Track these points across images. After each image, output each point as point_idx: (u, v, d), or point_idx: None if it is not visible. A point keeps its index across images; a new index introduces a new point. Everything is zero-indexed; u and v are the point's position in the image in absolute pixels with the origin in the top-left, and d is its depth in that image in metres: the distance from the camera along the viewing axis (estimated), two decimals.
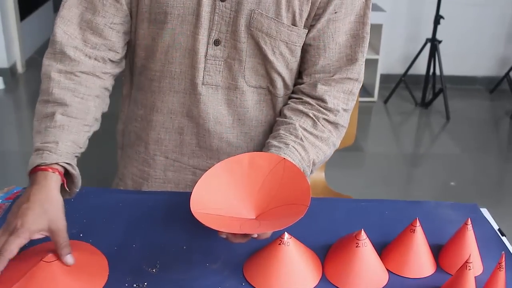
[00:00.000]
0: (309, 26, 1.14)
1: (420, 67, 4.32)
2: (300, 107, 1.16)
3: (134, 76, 1.25)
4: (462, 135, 3.86)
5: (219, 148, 1.22)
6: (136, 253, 0.99)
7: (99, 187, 1.23)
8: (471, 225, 0.99)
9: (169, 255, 0.99)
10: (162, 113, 1.21)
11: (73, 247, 0.92)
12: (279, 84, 1.19)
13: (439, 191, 3.11)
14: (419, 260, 0.98)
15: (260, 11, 1.10)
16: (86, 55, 1.12)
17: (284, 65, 1.17)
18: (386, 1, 4.27)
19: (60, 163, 0.99)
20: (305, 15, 1.13)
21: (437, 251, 1.03)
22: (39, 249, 0.95)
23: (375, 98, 4.32)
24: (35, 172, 0.98)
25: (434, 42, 4.06)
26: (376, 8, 4.14)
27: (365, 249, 0.94)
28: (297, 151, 1.09)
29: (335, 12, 1.12)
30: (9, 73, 4.48)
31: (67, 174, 1.01)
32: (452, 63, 4.47)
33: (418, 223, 0.98)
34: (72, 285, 0.88)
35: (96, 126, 1.13)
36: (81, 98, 1.08)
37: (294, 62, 1.18)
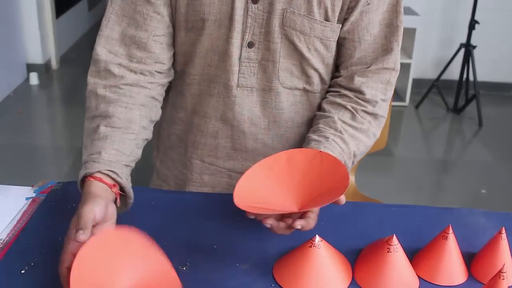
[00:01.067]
0: (343, 20, 1.14)
1: (453, 73, 4.26)
2: (338, 100, 1.16)
3: (174, 80, 1.25)
4: (494, 142, 3.79)
5: (254, 149, 1.23)
6: (166, 251, 0.99)
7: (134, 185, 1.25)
8: (505, 233, 0.98)
9: (199, 254, 1.00)
10: (198, 115, 1.22)
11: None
12: (315, 80, 1.19)
13: (470, 199, 3.07)
14: (451, 267, 0.97)
15: (292, 10, 1.10)
16: (131, 70, 1.12)
17: (320, 61, 1.17)
18: (420, 5, 4.22)
19: (103, 171, 0.98)
20: (337, 9, 1.13)
21: (469, 259, 1.01)
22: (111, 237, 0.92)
23: (407, 102, 4.28)
24: (83, 183, 0.98)
25: (468, 47, 4.00)
26: (409, 12, 4.10)
27: (397, 255, 0.93)
28: (337, 144, 1.09)
29: (368, 4, 1.12)
30: (44, 69, 4.56)
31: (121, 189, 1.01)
32: (486, 69, 4.40)
33: (451, 230, 0.97)
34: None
35: (144, 134, 1.11)
36: (124, 108, 1.08)
37: (330, 57, 1.18)
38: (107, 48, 1.12)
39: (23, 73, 4.46)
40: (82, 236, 0.85)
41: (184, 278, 0.93)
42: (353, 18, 1.13)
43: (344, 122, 1.13)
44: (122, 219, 1.08)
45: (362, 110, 1.15)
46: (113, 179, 0.99)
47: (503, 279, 0.84)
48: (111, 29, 1.12)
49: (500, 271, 0.85)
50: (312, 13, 1.11)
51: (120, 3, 1.12)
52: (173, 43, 1.18)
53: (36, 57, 4.53)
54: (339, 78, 1.19)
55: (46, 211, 1.11)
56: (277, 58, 1.15)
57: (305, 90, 1.20)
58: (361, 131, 1.14)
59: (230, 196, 1.21)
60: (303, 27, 1.12)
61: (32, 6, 4.36)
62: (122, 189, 1.01)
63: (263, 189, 0.97)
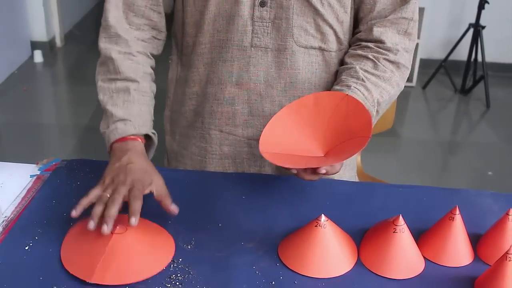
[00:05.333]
0: None
1: (462, 53, 4.22)
2: (359, 51, 1.17)
3: (184, 56, 1.26)
4: (501, 124, 3.77)
5: (272, 113, 1.20)
6: (171, 229, 0.99)
7: None
8: None
9: (204, 233, 0.99)
10: (213, 84, 1.22)
11: (141, 223, 0.93)
12: (331, 37, 1.19)
13: (476, 180, 3.06)
14: (457, 248, 0.96)
15: None
16: (135, 37, 1.19)
17: (334, 17, 1.17)
18: None
19: (143, 134, 1.11)
20: None
21: (475, 240, 1.01)
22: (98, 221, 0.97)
23: (414, 83, 4.25)
24: (125, 140, 1.08)
25: (477, 28, 3.96)
26: None
27: (403, 235, 0.92)
28: (360, 91, 1.10)
29: None
30: (48, 46, 4.55)
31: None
32: (495, 50, 4.36)
33: (457, 211, 0.96)
34: (146, 256, 0.91)
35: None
36: (142, 76, 1.17)
37: (344, 14, 1.18)
38: (113, 13, 1.18)
39: (28, 50, 4.45)
40: (175, 209, 0.99)
41: (189, 256, 0.93)
42: None
43: (366, 71, 1.14)
44: None
45: (384, 59, 1.16)
46: (151, 139, 1.14)
47: (509, 261, 0.84)
48: None
49: (506, 253, 0.85)
50: None
51: None
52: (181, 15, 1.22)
53: (41, 35, 4.52)
54: (359, 33, 1.20)
55: (51, 188, 1.11)
56: (291, 16, 1.14)
57: (321, 49, 1.19)
58: (384, 79, 1.15)
59: (234, 175, 1.21)
60: None
61: None
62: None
63: (289, 134, 1.01)
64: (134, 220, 0.90)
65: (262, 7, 1.14)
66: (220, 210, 1.06)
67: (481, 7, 3.91)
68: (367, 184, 1.31)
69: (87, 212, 0.94)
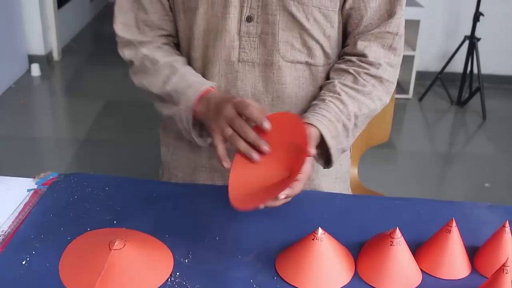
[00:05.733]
0: None
1: (457, 65, 4.24)
2: (342, 65, 1.18)
3: None
4: (498, 135, 3.78)
5: None
6: (168, 243, 0.99)
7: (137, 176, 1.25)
8: (509, 227, 0.97)
9: (201, 246, 0.99)
10: None
11: (138, 237, 0.93)
12: (318, 52, 1.19)
13: (473, 192, 3.06)
14: (454, 261, 0.96)
15: None
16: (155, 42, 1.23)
17: (321, 32, 1.17)
18: None
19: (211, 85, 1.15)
20: None
21: (472, 253, 1.01)
22: (95, 237, 0.98)
23: (410, 95, 4.27)
24: (199, 101, 1.11)
25: (472, 40, 3.98)
26: (413, 3, 4.08)
27: (400, 248, 0.93)
28: (334, 104, 1.12)
29: None
30: (46, 60, 4.56)
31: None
32: (491, 62, 4.38)
33: (454, 224, 0.96)
34: (145, 271, 0.91)
35: None
36: (176, 54, 1.23)
37: (331, 29, 1.18)
38: (131, 31, 1.22)
39: (25, 64, 4.45)
40: (268, 124, 0.99)
41: (187, 270, 0.93)
42: None
43: (344, 85, 1.15)
44: (124, 211, 1.08)
45: (365, 73, 1.16)
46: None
47: (506, 273, 0.84)
48: (126, 16, 1.21)
49: (503, 265, 0.84)
50: None
51: None
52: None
53: (38, 48, 4.53)
54: (346, 47, 1.21)
55: (48, 203, 1.11)
56: (276, 31, 1.14)
57: (307, 64, 1.19)
58: (363, 93, 1.15)
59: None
60: None
61: None
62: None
63: (255, 166, 0.99)
64: (266, 124, 0.97)
65: (249, 22, 1.14)
66: (216, 223, 1.06)
67: (476, 19, 3.94)
68: (364, 197, 1.31)
69: (83, 228, 0.94)
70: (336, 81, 1.16)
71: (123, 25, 1.22)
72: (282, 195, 0.95)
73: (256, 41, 1.16)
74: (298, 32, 1.15)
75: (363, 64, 1.16)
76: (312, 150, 0.98)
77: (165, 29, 1.23)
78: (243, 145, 0.99)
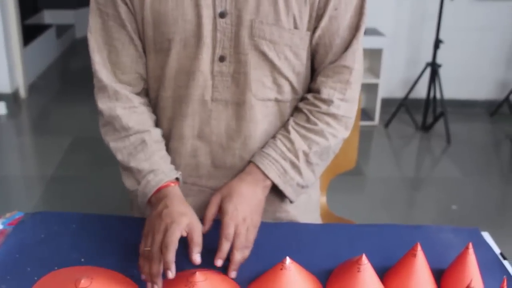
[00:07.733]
0: (313, 27, 1.17)
1: (421, 91, 4.34)
2: (300, 104, 1.23)
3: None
4: (463, 158, 3.86)
5: (233, 165, 1.22)
6: (136, 279, 0.99)
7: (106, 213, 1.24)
8: (472, 249, 0.99)
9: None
10: (174, 139, 1.22)
11: (105, 274, 0.93)
12: (286, 89, 1.21)
13: (441, 215, 3.10)
14: (421, 284, 0.98)
15: (260, 20, 1.12)
16: (130, 91, 1.19)
17: (291, 69, 1.19)
18: (386, 26, 4.31)
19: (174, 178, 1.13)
20: (305, 17, 1.15)
21: (438, 275, 1.03)
22: (62, 276, 0.96)
23: (376, 122, 4.33)
24: (159, 190, 1.10)
25: (434, 66, 4.09)
26: (376, 32, 4.18)
27: (367, 274, 0.94)
28: (282, 142, 1.18)
29: (336, 9, 1.15)
30: (12, 98, 4.51)
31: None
32: (453, 87, 4.49)
33: (419, 248, 0.98)
34: None
35: None
36: (150, 125, 1.19)
37: (300, 66, 1.20)
38: (104, 72, 1.18)
39: None
40: (198, 258, 0.98)
41: None
42: (323, 24, 1.16)
43: (297, 123, 1.20)
44: (91, 249, 1.07)
45: (317, 112, 1.20)
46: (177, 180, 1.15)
47: None
48: (101, 56, 1.18)
49: (468, 286, 0.87)
50: (280, 21, 1.13)
51: (99, 31, 1.17)
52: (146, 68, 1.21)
53: (4, 86, 4.48)
54: (311, 82, 1.24)
55: (14, 242, 1.09)
56: (248, 70, 1.15)
57: (276, 100, 1.21)
58: (314, 132, 1.19)
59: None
60: (272, 36, 1.13)
61: None
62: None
63: None
64: (170, 274, 0.93)
65: (222, 62, 1.15)
66: (184, 255, 1.06)
67: (436, 46, 4.05)
68: (332, 225, 1.33)
69: (50, 267, 0.93)
70: (291, 120, 1.21)
71: (101, 66, 1.18)
72: (232, 275, 1.01)
73: (229, 80, 1.17)
74: (269, 70, 1.17)
75: (316, 102, 1.20)
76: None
77: (138, 72, 1.20)
78: (146, 270, 0.97)
